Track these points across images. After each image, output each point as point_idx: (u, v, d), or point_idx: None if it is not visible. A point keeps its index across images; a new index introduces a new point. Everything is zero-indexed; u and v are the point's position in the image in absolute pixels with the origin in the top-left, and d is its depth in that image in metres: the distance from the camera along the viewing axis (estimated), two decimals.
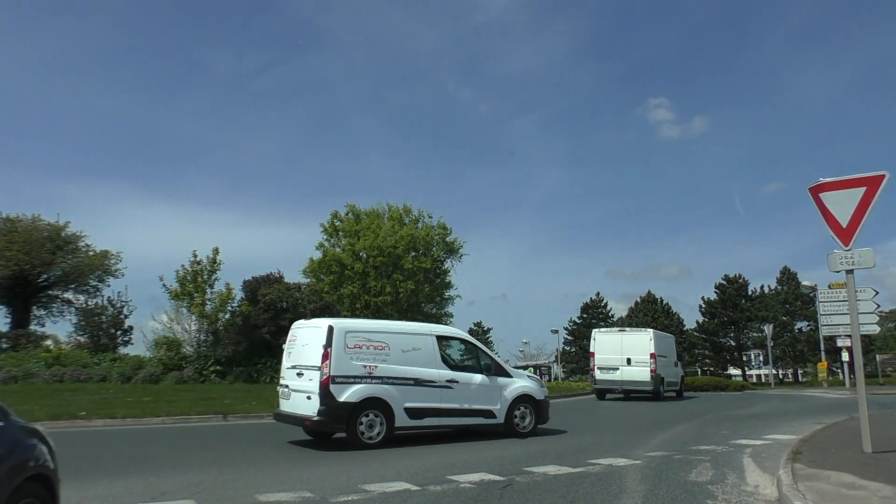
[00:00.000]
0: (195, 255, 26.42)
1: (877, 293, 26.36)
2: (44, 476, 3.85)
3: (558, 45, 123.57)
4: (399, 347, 10.98)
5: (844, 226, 8.60)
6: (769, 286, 64.14)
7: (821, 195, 8.88)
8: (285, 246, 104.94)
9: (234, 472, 8.08)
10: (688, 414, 17.17)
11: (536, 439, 11.35)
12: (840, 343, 32.82)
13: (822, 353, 40.09)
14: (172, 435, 13.06)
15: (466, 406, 11.37)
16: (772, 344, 46.94)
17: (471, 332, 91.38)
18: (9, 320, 28.90)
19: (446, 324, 42.89)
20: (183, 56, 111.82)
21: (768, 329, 45.67)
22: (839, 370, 45.85)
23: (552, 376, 49.72)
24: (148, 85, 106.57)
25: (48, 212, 50.99)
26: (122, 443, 11.84)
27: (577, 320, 75.67)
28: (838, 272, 8.88)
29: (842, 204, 8.67)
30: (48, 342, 26.15)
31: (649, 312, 63.73)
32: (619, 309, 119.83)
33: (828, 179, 8.95)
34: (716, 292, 64.14)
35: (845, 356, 34.24)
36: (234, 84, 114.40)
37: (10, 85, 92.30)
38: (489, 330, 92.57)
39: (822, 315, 32.62)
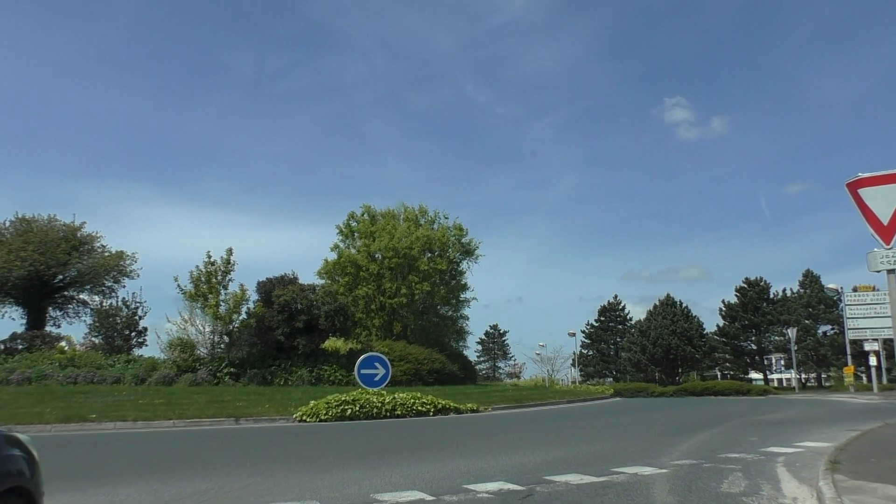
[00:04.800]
0: (209, 256, 26.25)
1: None
2: (23, 489, 3.50)
3: (575, 46, 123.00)
4: None
5: (885, 223, 8.10)
6: (791, 289, 63.10)
7: (859, 191, 8.39)
8: (301, 248, 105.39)
9: (242, 478, 7.76)
10: (712, 419, 16.62)
11: (556, 447, 10.91)
12: (868, 347, 31.96)
13: (849, 358, 39.11)
14: (183, 438, 12.81)
15: None
16: (795, 348, 46.02)
17: (487, 334, 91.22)
18: (24, 321, 28.90)
19: (461, 326, 42.47)
20: (200, 60, 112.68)
21: (792, 333, 44.76)
22: (863, 374, 44.84)
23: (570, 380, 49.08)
24: (167, 88, 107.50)
25: (67, 213, 51.42)
26: (130, 446, 11.59)
27: (594, 323, 75.00)
28: (879, 272, 8.35)
29: (882, 200, 8.17)
30: (63, 343, 26.08)
31: (668, 315, 62.82)
32: (636, 312, 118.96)
33: (867, 174, 8.46)
34: (736, 295, 63.12)
35: (873, 360, 33.36)
36: (251, 87, 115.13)
37: (32, 87, 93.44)
38: (505, 333, 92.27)
39: (848, 318, 31.84)
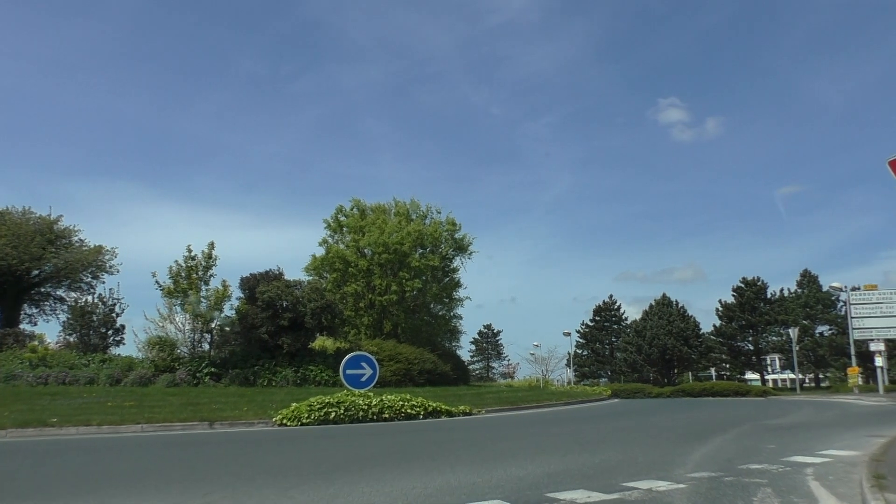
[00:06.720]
0: (189, 251, 25.05)
1: None
2: None
3: (571, 47, 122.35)
4: None
5: None
6: (788, 289, 62.38)
7: None
8: (296, 248, 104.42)
9: (197, 497, 6.69)
10: (720, 424, 15.63)
11: (557, 456, 9.86)
12: (873, 347, 31.03)
13: (853, 358, 38.15)
14: (148, 445, 11.71)
15: None
16: (797, 348, 45.07)
17: (480, 334, 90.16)
18: None
19: (454, 325, 41.32)
20: (197, 59, 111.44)
21: (793, 333, 43.84)
22: (862, 375, 44.00)
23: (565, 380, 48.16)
24: (163, 87, 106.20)
25: (64, 210, 49.84)
26: (86, 455, 10.46)
27: (589, 323, 74.17)
28: None
29: None
30: (35, 342, 24.84)
31: (664, 315, 62.02)
32: (631, 312, 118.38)
33: None
34: (733, 295, 62.37)
35: (878, 361, 32.40)
36: (248, 86, 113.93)
37: (27, 85, 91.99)
38: (499, 333, 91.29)
39: (853, 318, 30.90)
